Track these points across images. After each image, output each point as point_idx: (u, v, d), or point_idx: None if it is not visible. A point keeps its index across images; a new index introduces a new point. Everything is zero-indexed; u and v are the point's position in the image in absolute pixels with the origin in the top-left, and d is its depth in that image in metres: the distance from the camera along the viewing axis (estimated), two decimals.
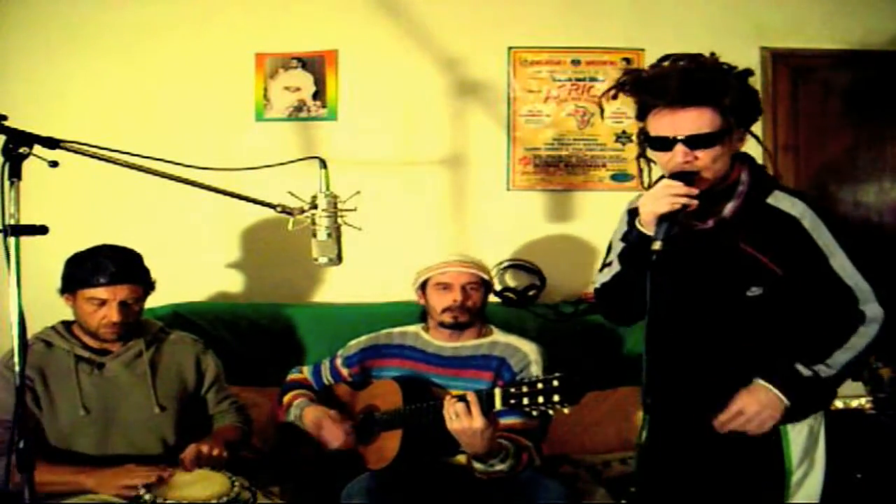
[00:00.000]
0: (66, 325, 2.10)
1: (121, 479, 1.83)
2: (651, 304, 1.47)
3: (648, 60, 2.91)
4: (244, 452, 2.22)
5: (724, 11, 2.97)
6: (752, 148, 1.68)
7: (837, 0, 2.98)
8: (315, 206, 1.71)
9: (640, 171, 1.67)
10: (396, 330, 2.38)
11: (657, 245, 1.47)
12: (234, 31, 2.95)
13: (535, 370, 2.16)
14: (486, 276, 2.30)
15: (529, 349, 2.21)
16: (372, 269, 2.87)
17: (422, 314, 2.39)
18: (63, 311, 2.07)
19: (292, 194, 1.75)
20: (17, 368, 1.34)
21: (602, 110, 1.78)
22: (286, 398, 2.33)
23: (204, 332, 2.53)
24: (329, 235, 1.70)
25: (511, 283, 2.94)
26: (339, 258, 1.73)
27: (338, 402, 2.32)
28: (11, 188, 1.32)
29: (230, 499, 1.78)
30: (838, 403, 2.49)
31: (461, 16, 2.96)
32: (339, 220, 1.71)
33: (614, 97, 1.64)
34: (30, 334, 1.42)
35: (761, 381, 1.58)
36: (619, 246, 1.69)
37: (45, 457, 1.85)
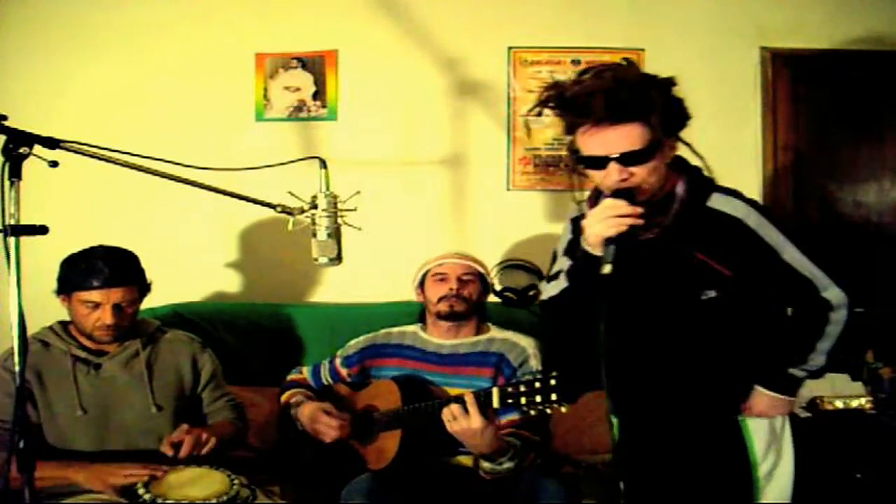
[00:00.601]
0: (64, 325, 2.09)
1: (110, 478, 1.83)
2: (606, 324, 1.47)
3: (648, 60, 2.93)
4: (242, 451, 2.22)
5: (724, 11, 2.97)
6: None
7: (837, 0, 2.98)
8: (315, 206, 1.71)
9: (572, 185, 1.68)
10: (395, 329, 2.39)
11: (607, 269, 1.45)
12: (234, 31, 2.95)
13: (534, 364, 2.17)
14: (481, 270, 2.32)
15: (527, 343, 2.22)
16: (372, 269, 2.87)
17: (420, 314, 2.39)
18: (62, 311, 2.07)
19: (292, 194, 1.74)
20: (16, 369, 1.34)
21: (529, 130, 1.74)
22: (284, 397, 2.34)
23: (204, 332, 2.53)
24: (329, 235, 1.70)
25: (511, 283, 2.93)
26: (339, 258, 1.73)
27: (337, 402, 2.32)
28: (11, 188, 1.32)
29: (230, 497, 1.79)
30: (838, 403, 2.50)
31: (461, 16, 2.96)
32: (339, 220, 1.71)
33: (539, 115, 1.62)
34: (29, 334, 1.42)
35: (766, 391, 1.66)
36: (564, 260, 1.70)
37: (40, 455, 1.85)
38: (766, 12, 2.98)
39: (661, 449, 1.71)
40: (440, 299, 2.25)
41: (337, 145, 2.95)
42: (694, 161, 1.66)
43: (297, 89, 2.98)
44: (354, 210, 1.74)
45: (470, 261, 2.31)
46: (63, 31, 2.93)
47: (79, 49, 2.93)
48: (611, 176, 1.51)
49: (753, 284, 1.61)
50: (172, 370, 2.15)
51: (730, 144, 2.95)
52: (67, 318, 2.09)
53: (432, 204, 2.98)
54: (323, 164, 1.73)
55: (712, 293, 1.60)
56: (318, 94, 2.97)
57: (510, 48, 2.97)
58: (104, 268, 1.97)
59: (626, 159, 1.49)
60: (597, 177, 1.56)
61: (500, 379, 2.15)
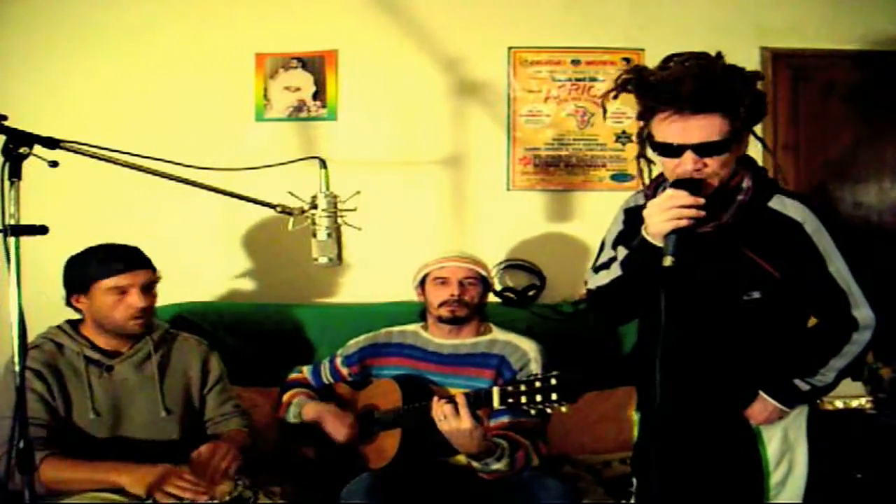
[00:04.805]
0: (73, 324, 2.07)
1: (150, 482, 1.80)
2: (666, 316, 1.42)
3: (648, 60, 2.92)
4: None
5: (724, 11, 2.96)
6: (755, 147, 1.68)
7: (837, 0, 2.98)
8: (315, 206, 1.71)
9: (640, 171, 1.64)
10: (396, 329, 2.39)
11: (669, 261, 1.42)
12: (234, 31, 2.95)
13: (535, 368, 2.17)
14: (483, 273, 2.30)
15: (529, 347, 2.22)
16: (372, 269, 2.87)
17: (421, 313, 2.39)
18: (62, 310, 2.06)
19: (292, 194, 1.75)
20: (16, 368, 1.34)
21: (605, 110, 1.73)
22: (285, 397, 2.34)
23: (206, 333, 2.52)
24: (329, 235, 1.70)
25: (511, 283, 2.94)
26: (339, 258, 1.73)
27: (338, 401, 2.32)
28: (11, 188, 1.32)
29: (233, 498, 1.79)
30: (838, 403, 2.50)
31: (461, 16, 2.96)
32: (339, 220, 1.72)
33: (616, 97, 1.60)
34: (30, 335, 1.42)
35: (765, 396, 1.64)
36: (617, 250, 1.67)
37: (69, 453, 1.86)
38: (766, 12, 2.98)
39: (676, 450, 1.67)
40: (441, 304, 2.24)
41: (337, 145, 2.95)
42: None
43: (297, 89, 2.98)
44: (354, 210, 1.74)
45: (471, 262, 2.29)
46: (63, 31, 2.93)
47: (78, 49, 2.92)
48: (684, 165, 1.48)
49: (796, 291, 1.58)
50: (182, 373, 2.14)
51: None
52: (71, 318, 2.08)
53: (432, 204, 2.98)
54: (323, 164, 1.73)
55: (756, 294, 1.57)
56: (318, 94, 2.97)
57: (510, 48, 2.97)
58: (122, 253, 2.00)
59: (703, 150, 1.46)
60: (669, 165, 1.52)
61: (499, 381, 2.15)
